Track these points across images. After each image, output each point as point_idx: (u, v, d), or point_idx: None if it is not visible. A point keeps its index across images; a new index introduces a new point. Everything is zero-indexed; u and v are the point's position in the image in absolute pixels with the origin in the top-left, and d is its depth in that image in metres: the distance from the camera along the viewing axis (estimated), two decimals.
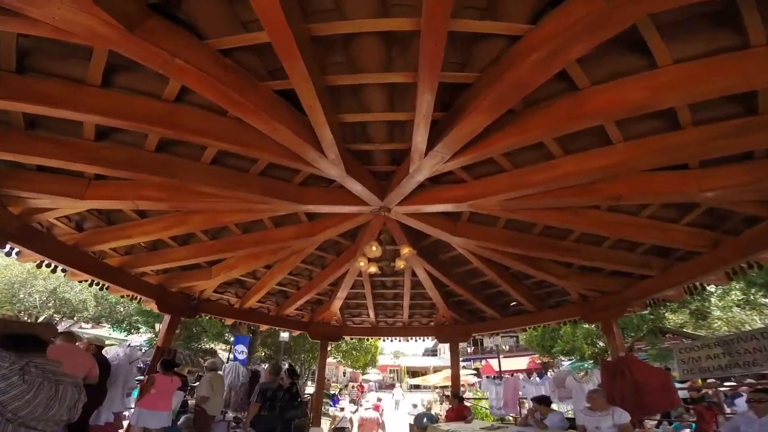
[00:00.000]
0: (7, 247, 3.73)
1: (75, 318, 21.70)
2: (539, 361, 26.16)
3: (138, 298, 5.93)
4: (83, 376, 3.74)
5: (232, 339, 16.37)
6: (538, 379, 7.79)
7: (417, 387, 34.64)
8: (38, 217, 3.75)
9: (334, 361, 28.24)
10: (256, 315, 7.35)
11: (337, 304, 7.04)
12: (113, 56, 2.29)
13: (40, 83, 2.28)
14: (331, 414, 15.59)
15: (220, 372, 6.41)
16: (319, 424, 7.83)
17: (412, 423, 10.05)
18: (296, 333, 8.95)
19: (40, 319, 20.63)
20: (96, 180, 3.35)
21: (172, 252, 4.90)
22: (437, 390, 25.22)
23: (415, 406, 16.60)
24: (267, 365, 5.29)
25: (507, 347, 35.02)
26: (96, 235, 4.30)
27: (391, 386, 37.04)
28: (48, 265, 4.67)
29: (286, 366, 5.76)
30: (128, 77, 2.47)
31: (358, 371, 31.96)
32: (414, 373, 41.02)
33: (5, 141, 2.62)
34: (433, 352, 44.52)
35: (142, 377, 5.81)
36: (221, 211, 3.98)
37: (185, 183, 3.22)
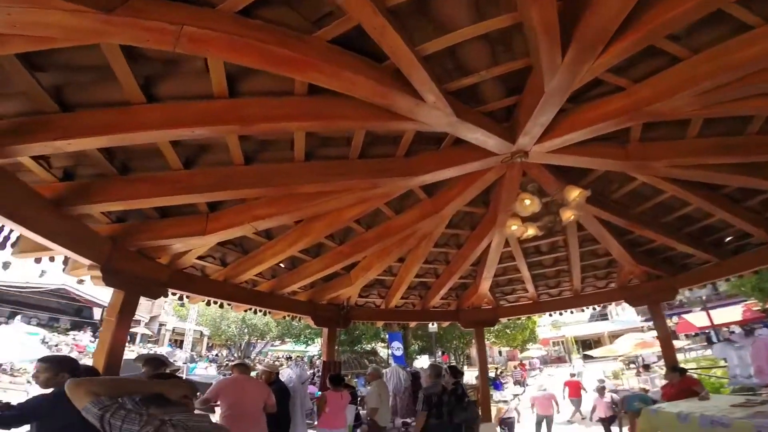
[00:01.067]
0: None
1: (266, 338, 26.04)
2: (757, 309, 20.14)
3: (297, 317, 6.18)
4: (262, 406, 3.78)
5: (387, 337, 16.99)
6: None
7: (589, 357, 30.69)
8: (183, 261, 3.97)
9: (487, 342, 27.02)
10: (403, 313, 7.01)
11: (486, 284, 6.12)
12: (142, 68, 2.08)
13: (87, 116, 2.15)
14: (495, 400, 14.57)
15: (383, 379, 6.19)
16: (490, 419, 7.01)
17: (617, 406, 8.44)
18: (445, 324, 8.31)
19: (242, 344, 25.34)
20: (212, 213, 3.34)
21: (309, 266, 4.84)
22: (620, 359, 21.58)
23: (602, 381, 14.38)
24: (427, 368, 4.75)
25: (703, 297, 28.14)
26: (238, 266, 4.44)
27: (558, 360, 33.82)
28: (215, 302, 5.11)
29: (446, 365, 5.21)
30: (170, 85, 2.23)
31: (516, 349, 29.98)
32: (584, 342, 36.57)
33: (108, 192, 2.65)
34: (602, 316, 39.00)
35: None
36: (336, 209, 3.64)
37: (288, 188, 2.99)
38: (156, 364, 3.33)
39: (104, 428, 1.19)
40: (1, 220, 2.35)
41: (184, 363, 16.39)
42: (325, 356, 6.25)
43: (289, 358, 23.50)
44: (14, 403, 2.21)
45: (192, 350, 27.03)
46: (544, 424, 8.86)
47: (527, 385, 19.82)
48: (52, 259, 3.37)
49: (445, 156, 3.29)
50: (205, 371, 17.40)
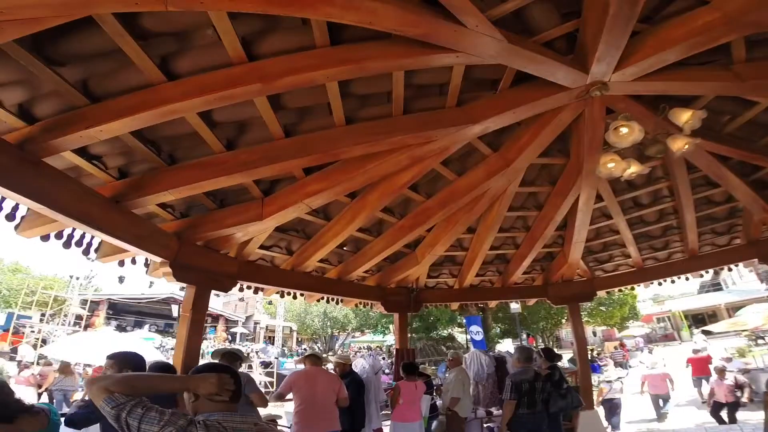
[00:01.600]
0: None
1: (347, 330, 27.02)
2: None
3: (368, 303, 6.05)
4: (334, 399, 3.60)
5: (464, 322, 16.35)
6: None
7: (708, 333, 26.50)
8: (249, 251, 4.00)
9: None
10: (480, 292, 6.43)
11: (577, 251, 5.31)
12: (155, 47, 2.05)
13: (114, 103, 2.18)
14: (595, 383, 13.09)
15: (464, 366, 5.71)
16: (592, 406, 6.09)
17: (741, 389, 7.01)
18: (531, 302, 7.48)
19: (326, 337, 26.55)
20: (267, 197, 3.36)
21: (372, 247, 4.63)
22: (745, 334, 18.15)
23: (728, 359, 12.29)
24: (515, 353, 4.17)
25: None
26: (303, 253, 4.39)
27: (666, 338, 29.87)
28: (288, 293, 5.16)
29: (539, 348, 4.59)
30: (187, 60, 2.18)
31: (613, 328, 26.97)
32: (695, 317, 31.70)
33: (160, 182, 2.75)
34: (715, 286, 33.45)
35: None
36: (389, 176, 3.38)
37: (332, 153, 2.86)
38: (231, 358, 3.36)
39: (122, 429, 1.06)
40: (70, 222, 2.49)
41: (275, 358, 17.55)
42: (398, 343, 5.98)
43: (369, 348, 24.07)
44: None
45: (283, 345, 29.07)
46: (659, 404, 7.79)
47: (630, 366, 17.74)
48: (133, 261, 3.59)
49: (505, 99, 2.87)
50: (294, 366, 18.49)
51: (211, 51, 2.12)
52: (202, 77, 2.17)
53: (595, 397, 7.00)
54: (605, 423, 6.97)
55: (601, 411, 7.11)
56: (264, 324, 31.77)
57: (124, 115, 2.11)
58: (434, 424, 5.20)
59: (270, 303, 30.14)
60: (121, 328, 21.46)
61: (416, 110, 2.90)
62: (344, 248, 4.74)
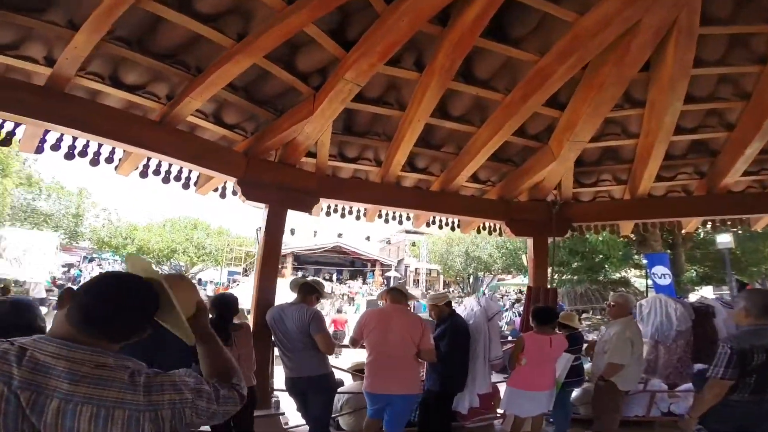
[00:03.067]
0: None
1: (492, 272, 25.81)
2: None
3: (493, 226, 4.87)
4: (413, 350, 2.66)
5: (644, 261, 12.80)
6: None
7: None
8: (323, 160, 3.54)
9: None
10: (666, 205, 4.24)
11: None
12: None
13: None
14: None
15: (635, 318, 3.70)
16: None
17: None
18: (761, 225, 4.65)
19: (470, 278, 26.00)
20: (315, 91, 3.10)
21: (476, 140, 3.48)
22: None
23: None
24: (742, 300, 2.20)
25: None
26: (388, 157, 3.65)
27: None
28: (394, 218, 4.53)
29: None
30: None
31: None
32: None
33: (192, 89, 2.70)
34: None
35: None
36: (453, 13, 2.50)
37: None
38: (307, 289, 2.89)
39: None
40: (123, 146, 2.76)
41: (417, 301, 18.16)
42: (532, 280, 4.50)
43: (520, 292, 22.27)
44: None
45: (428, 288, 30.09)
46: None
47: None
48: (234, 192, 3.59)
49: None
50: None
51: None
52: None
53: None
54: None
55: None
56: (413, 267, 33.53)
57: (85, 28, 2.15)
58: (575, 393, 3.63)
59: (414, 245, 31.30)
60: (303, 277, 25.55)
61: None
62: (443, 150, 3.74)
